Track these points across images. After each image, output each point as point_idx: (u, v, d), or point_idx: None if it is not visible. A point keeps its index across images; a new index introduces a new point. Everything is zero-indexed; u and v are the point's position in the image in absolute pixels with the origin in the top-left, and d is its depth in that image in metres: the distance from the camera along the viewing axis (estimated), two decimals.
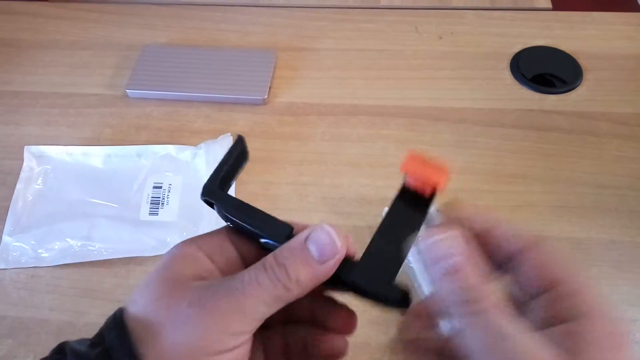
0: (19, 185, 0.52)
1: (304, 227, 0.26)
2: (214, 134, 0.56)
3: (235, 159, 0.28)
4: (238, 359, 0.24)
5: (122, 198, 0.51)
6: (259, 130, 0.57)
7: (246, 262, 0.27)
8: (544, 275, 0.23)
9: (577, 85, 0.59)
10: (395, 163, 0.53)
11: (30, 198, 0.52)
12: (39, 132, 0.58)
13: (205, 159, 0.53)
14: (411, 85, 0.60)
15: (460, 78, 0.60)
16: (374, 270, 0.25)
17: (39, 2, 0.71)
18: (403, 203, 0.28)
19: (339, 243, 0.25)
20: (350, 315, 0.28)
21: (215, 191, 0.27)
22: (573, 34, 0.63)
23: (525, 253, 0.24)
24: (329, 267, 0.25)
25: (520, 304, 0.24)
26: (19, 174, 0.53)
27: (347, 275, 0.25)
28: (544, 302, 0.23)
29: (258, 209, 0.27)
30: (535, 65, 0.60)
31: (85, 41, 0.66)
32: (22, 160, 0.54)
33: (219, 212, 0.27)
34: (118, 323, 0.24)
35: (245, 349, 0.24)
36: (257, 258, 0.25)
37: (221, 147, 0.54)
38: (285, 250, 0.25)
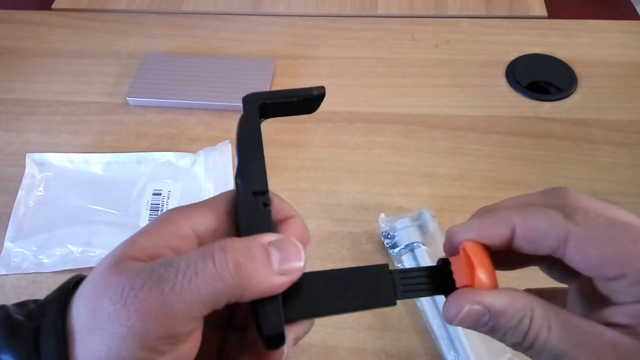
0: (20, 192, 0.53)
1: (284, 212, 0.24)
2: (213, 141, 0.56)
3: (299, 101, 0.25)
4: None
5: (122, 205, 0.52)
6: None
7: None
8: (597, 261, 0.22)
9: (572, 93, 0.59)
10: (391, 170, 0.54)
11: (32, 205, 0.53)
12: (40, 139, 0.59)
13: (204, 166, 0.54)
14: (408, 93, 0.60)
15: (456, 85, 0.61)
16: (291, 297, 0.22)
17: (41, 11, 0.72)
18: (415, 273, 0.25)
19: (302, 261, 0.22)
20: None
21: (253, 104, 0.24)
22: (568, 41, 0.64)
23: (563, 244, 0.22)
24: (284, 282, 0.21)
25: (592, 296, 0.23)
26: (20, 181, 0.54)
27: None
28: (620, 287, 0.21)
29: (260, 157, 0.24)
30: (531, 73, 0.61)
31: (87, 50, 0.67)
32: (24, 167, 0.55)
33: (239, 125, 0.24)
34: (61, 301, 0.21)
35: (185, 351, 0.20)
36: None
37: (220, 154, 0.55)
38: (245, 242, 0.21)
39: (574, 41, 0.64)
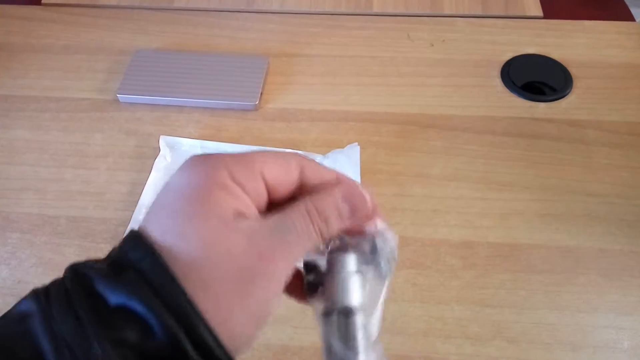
0: (153, 174, 0.53)
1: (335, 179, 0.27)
2: (204, 140, 0.56)
3: None
4: (277, 299, 0.24)
5: None
6: (250, 136, 0.57)
7: (271, 197, 0.25)
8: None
9: (567, 94, 0.59)
10: (385, 170, 0.53)
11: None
12: (29, 136, 0.57)
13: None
14: (402, 92, 0.60)
15: (451, 85, 0.60)
16: None
17: (31, 6, 0.71)
18: None
19: (369, 204, 0.26)
20: None
21: None
22: (564, 42, 0.64)
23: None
24: (352, 224, 0.26)
25: None
26: (8, 178, 0.53)
27: None
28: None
29: None
30: (526, 73, 0.60)
31: (78, 45, 0.66)
32: (13, 164, 0.54)
33: None
34: (149, 250, 0.21)
35: (282, 288, 0.24)
36: (283, 196, 0.25)
37: (348, 157, 0.53)
38: (325, 203, 0.25)
39: (570, 42, 0.64)
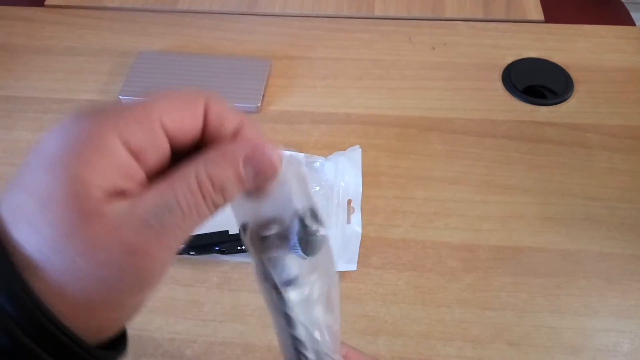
0: None
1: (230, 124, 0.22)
2: None
3: None
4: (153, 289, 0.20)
5: None
6: None
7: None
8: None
9: (568, 97, 0.59)
10: (386, 172, 0.54)
11: None
12: (31, 137, 0.58)
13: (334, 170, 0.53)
14: (404, 95, 0.60)
15: (452, 88, 0.60)
16: None
17: (35, 8, 0.71)
18: None
19: (275, 164, 0.21)
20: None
21: None
22: (565, 46, 0.64)
23: None
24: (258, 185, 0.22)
25: None
26: (10, 179, 0.53)
27: None
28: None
29: None
30: (527, 77, 0.61)
31: (81, 47, 0.66)
32: (14, 165, 0.54)
33: None
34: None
35: (163, 276, 0.20)
36: (188, 144, 0.21)
37: (349, 159, 0.53)
38: (222, 170, 0.20)
39: (571, 46, 0.64)
